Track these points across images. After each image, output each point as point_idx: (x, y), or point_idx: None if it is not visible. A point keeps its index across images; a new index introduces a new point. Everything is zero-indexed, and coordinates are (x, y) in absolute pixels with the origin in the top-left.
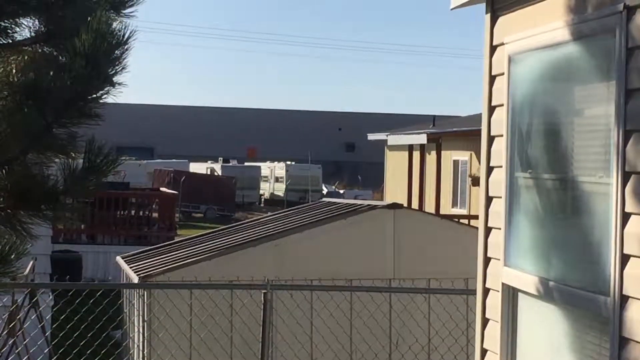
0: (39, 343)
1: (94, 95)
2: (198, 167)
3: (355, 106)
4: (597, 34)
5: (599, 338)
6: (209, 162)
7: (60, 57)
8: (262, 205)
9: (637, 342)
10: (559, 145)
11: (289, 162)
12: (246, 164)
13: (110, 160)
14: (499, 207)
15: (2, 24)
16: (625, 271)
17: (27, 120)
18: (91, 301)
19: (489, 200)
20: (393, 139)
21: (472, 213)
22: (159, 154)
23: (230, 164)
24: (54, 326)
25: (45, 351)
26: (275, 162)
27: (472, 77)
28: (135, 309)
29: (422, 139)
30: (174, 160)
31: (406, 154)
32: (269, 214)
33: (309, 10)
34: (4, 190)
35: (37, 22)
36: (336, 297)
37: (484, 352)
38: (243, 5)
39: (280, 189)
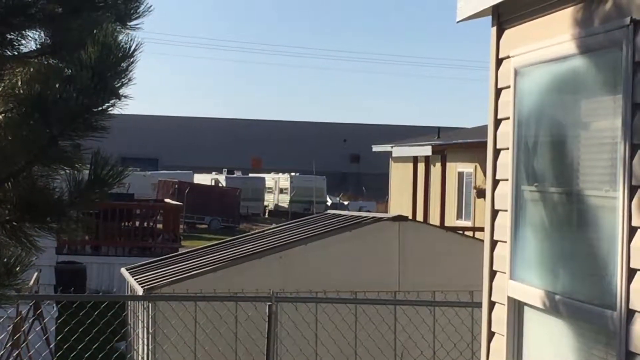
0: (43, 355)
1: (100, 108)
2: (202, 178)
3: (360, 118)
4: (604, 47)
5: (605, 352)
6: (213, 173)
7: (66, 70)
8: (266, 216)
9: None
10: (565, 159)
11: (293, 174)
12: (250, 175)
13: (116, 173)
14: (504, 221)
15: (9, 36)
16: (632, 285)
17: (33, 132)
18: (95, 313)
19: (494, 213)
20: (398, 151)
21: (477, 225)
22: (163, 165)
23: (235, 175)
24: (58, 338)
25: None
26: (280, 174)
27: (478, 89)
28: (140, 321)
29: (426, 150)
30: (178, 171)
31: (411, 165)
32: (274, 225)
33: (314, 21)
34: (9, 203)
35: (43, 34)
36: (341, 309)
37: None
38: (248, 17)
39: (284, 200)
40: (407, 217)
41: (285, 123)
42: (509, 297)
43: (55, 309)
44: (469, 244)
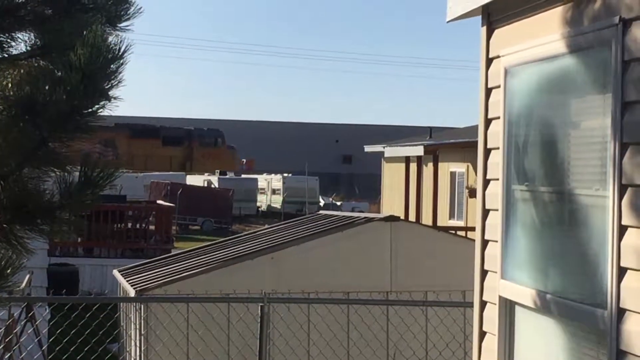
0: (35, 357)
1: (90, 110)
2: (195, 180)
3: (353, 118)
4: (594, 46)
5: (596, 351)
6: (206, 174)
7: (56, 71)
8: (259, 217)
9: (635, 355)
10: (556, 158)
11: (286, 174)
12: (243, 176)
13: (106, 174)
14: (495, 220)
15: None
16: (622, 284)
17: (23, 134)
18: (88, 314)
19: (485, 213)
20: (390, 151)
21: (469, 225)
22: None
23: (227, 176)
24: (50, 340)
25: None
26: (272, 174)
27: (469, 89)
28: (132, 322)
29: (419, 150)
30: (170, 172)
31: (403, 165)
32: (266, 226)
33: (307, 22)
34: None
35: (33, 36)
36: (333, 310)
37: None
38: (240, 19)
39: (277, 201)
40: (399, 217)
41: (278, 124)
42: (500, 297)
43: (47, 311)
44: (461, 244)
